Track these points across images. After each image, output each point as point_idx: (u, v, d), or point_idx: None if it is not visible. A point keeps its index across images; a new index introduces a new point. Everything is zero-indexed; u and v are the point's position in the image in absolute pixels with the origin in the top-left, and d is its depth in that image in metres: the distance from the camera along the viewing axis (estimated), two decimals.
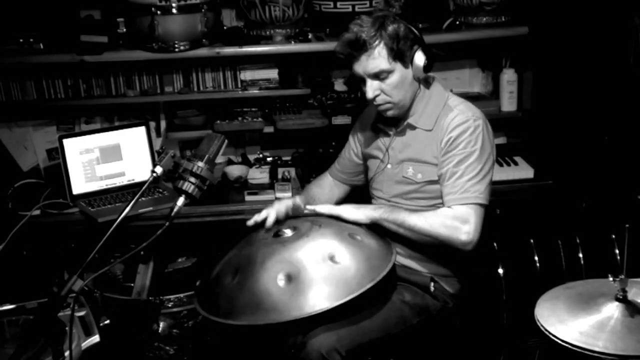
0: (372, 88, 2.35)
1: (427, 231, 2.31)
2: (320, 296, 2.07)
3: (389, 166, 2.49)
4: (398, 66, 2.33)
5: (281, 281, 2.11)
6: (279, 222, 2.39)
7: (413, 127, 2.43)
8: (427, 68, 2.35)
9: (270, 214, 2.38)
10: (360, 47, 2.30)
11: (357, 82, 2.43)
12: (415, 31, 2.33)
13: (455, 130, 2.35)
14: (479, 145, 2.34)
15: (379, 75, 2.33)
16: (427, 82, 2.44)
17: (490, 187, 2.39)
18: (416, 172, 2.42)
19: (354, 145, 2.68)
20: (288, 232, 2.30)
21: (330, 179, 2.76)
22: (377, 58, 2.30)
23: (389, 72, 2.32)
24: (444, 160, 2.36)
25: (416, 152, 2.43)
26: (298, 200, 2.51)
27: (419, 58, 2.33)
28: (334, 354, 2.13)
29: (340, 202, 2.69)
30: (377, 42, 2.29)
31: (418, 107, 2.42)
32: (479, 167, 2.33)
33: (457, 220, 2.28)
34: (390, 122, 2.48)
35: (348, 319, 2.20)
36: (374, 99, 2.36)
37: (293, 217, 2.43)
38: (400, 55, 2.31)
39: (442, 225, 2.29)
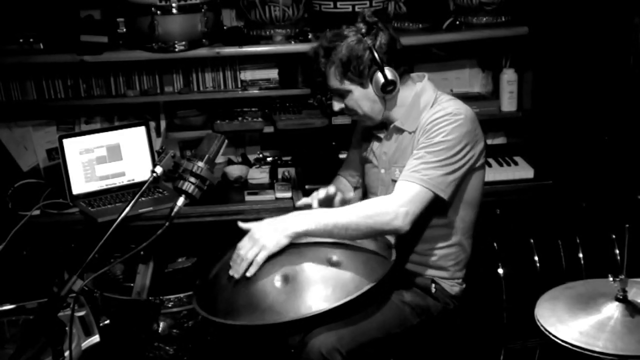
0: (336, 103, 2.40)
1: (357, 222, 2.15)
2: (317, 298, 2.05)
3: (382, 171, 2.47)
4: (354, 86, 2.32)
5: (278, 282, 2.10)
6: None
7: (401, 130, 2.40)
8: (386, 89, 2.30)
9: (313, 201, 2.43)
10: (316, 64, 2.34)
11: None
12: (376, 53, 2.26)
13: (432, 123, 2.28)
14: (452, 137, 2.23)
15: (338, 93, 2.36)
16: (408, 87, 2.38)
17: (453, 183, 2.24)
18: None
19: (356, 148, 2.67)
20: None
21: (345, 181, 2.73)
22: (331, 79, 2.33)
23: (346, 91, 2.33)
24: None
25: (401, 155, 2.39)
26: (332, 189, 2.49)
27: (378, 78, 2.29)
28: (335, 353, 2.13)
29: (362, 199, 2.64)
30: (328, 65, 2.31)
31: (402, 111, 2.38)
32: (442, 156, 2.21)
33: (389, 198, 2.18)
34: (380, 126, 2.47)
35: (349, 319, 2.19)
36: (340, 111, 2.40)
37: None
38: (354, 77, 2.29)
39: (370, 205, 2.19)
